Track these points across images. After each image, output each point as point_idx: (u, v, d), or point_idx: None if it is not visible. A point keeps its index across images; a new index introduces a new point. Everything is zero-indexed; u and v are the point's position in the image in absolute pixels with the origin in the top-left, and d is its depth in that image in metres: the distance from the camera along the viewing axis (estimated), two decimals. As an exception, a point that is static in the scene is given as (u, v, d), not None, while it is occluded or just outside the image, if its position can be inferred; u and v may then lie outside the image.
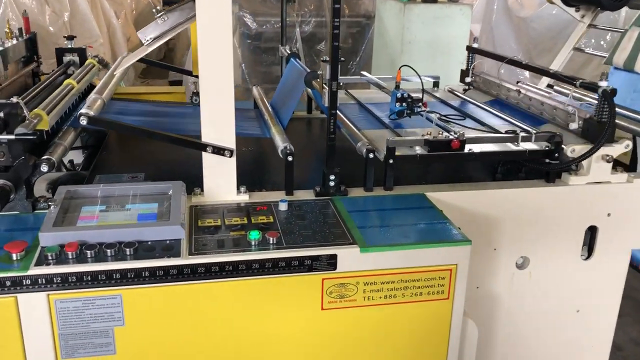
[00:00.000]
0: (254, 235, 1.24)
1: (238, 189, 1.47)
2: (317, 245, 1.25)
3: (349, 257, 1.24)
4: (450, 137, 1.54)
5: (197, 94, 2.24)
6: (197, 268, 1.18)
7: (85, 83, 1.85)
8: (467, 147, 1.56)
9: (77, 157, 2.08)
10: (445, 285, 1.31)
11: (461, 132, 1.55)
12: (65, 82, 1.74)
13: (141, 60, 2.59)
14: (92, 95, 1.50)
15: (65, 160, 2.08)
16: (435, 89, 2.38)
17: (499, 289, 1.65)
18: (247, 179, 1.51)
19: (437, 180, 1.64)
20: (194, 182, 1.45)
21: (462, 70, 2.39)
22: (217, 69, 1.35)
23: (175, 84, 4.44)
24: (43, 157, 1.37)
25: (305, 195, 1.50)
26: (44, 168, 1.35)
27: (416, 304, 1.31)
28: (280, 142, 1.55)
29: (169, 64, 5.24)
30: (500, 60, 2.14)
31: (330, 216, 1.38)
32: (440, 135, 1.56)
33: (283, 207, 1.40)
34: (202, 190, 1.45)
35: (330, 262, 1.23)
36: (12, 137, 1.27)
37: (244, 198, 1.46)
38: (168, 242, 1.22)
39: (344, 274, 1.25)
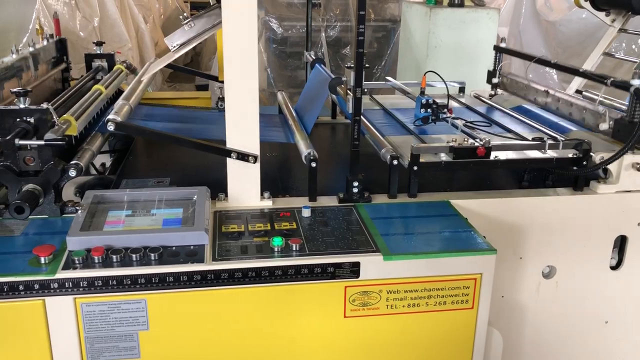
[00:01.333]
0: (277, 242, 1.24)
1: (262, 194, 1.47)
2: (340, 252, 1.24)
3: (372, 265, 1.24)
4: (476, 144, 1.53)
5: (222, 99, 2.25)
6: (221, 274, 1.19)
7: (113, 88, 1.88)
8: (493, 154, 1.54)
9: (108, 160, 2.11)
10: (469, 295, 1.29)
11: (487, 139, 1.53)
12: (94, 87, 1.77)
13: (168, 65, 2.63)
14: (119, 101, 1.52)
15: (97, 163, 2.12)
16: (461, 94, 2.36)
17: (525, 298, 1.63)
18: (271, 184, 1.52)
19: (462, 187, 1.62)
20: (219, 187, 1.46)
21: (489, 71, 2.36)
22: (242, 75, 1.36)
23: (202, 89, 4.49)
24: (71, 162, 1.39)
25: (328, 201, 1.50)
26: (72, 173, 1.37)
27: (440, 313, 1.29)
28: (304, 148, 1.55)
29: (196, 68, 5.30)
30: (528, 59, 2.11)
31: (353, 223, 1.38)
32: (465, 142, 1.54)
33: (306, 213, 1.41)
34: (226, 195, 1.46)
35: (353, 270, 1.23)
36: (42, 142, 1.29)
37: (268, 204, 1.47)
38: (192, 247, 1.23)
39: (367, 282, 1.24)
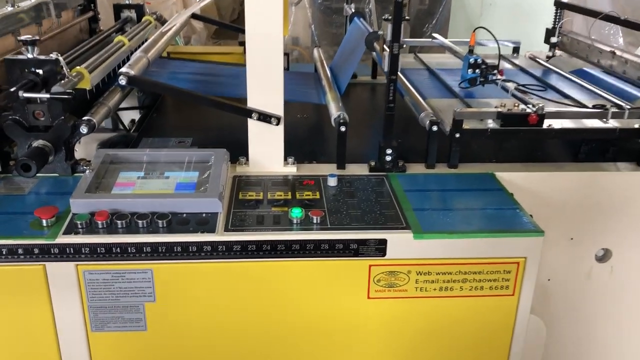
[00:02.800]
0: (296, 213, 1.12)
1: (286, 159, 1.35)
2: (365, 227, 1.12)
3: (400, 243, 1.11)
4: (528, 110, 1.35)
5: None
6: (233, 246, 1.09)
7: (138, 41, 1.77)
8: (547, 122, 1.36)
9: (137, 116, 2.03)
10: (510, 280, 1.15)
11: (540, 104, 1.36)
12: (116, 39, 1.66)
13: (206, 20, 2.51)
14: (137, 54, 1.41)
15: (127, 119, 2.04)
16: (515, 55, 2.15)
17: (574, 283, 1.47)
18: (298, 149, 1.39)
19: (509, 158, 1.46)
20: (243, 149, 1.34)
21: (547, 30, 2.14)
22: (265, 24, 1.22)
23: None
24: (83, 118, 1.30)
25: (358, 169, 1.37)
26: (84, 129, 1.28)
27: (476, 298, 1.16)
28: (334, 110, 1.41)
29: (240, 25, 5.15)
30: (593, 16, 1.88)
31: (383, 195, 1.24)
32: (515, 107, 1.37)
33: (332, 182, 1.28)
34: (247, 159, 1.35)
35: (379, 248, 1.10)
36: (47, 95, 1.20)
37: (291, 170, 1.35)
38: (204, 215, 1.13)
39: (394, 261, 1.12)
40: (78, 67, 1.32)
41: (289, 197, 1.22)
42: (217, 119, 1.71)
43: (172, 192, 1.18)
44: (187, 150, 1.35)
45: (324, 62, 1.90)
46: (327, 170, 1.36)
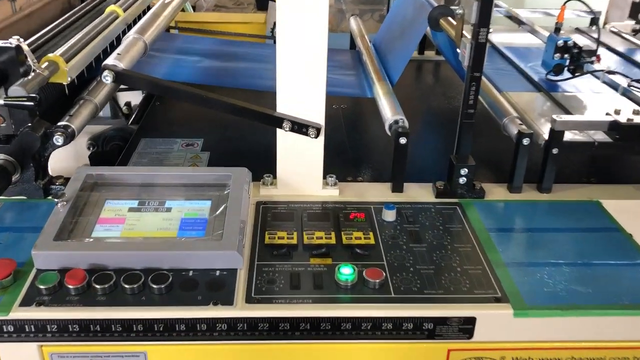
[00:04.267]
0: (346, 275, 0.80)
1: (324, 178, 1.02)
2: (443, 298, 0.79)
3: (494, 322, 0.79)
4: (654, 119, 1.00)
5: (280, 25, 1.77)
6: (258, 324, 0.77)
7: (137, 10, 1.42)
8: (678, 136, 1.01)
9: (137, 97, 1.70)
10: (640, 367, 0.83)
11: (672, 111, 1.01)
12: (108, 9, 1.32)
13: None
14: (129, 36, 1.07)
15: (122, 101, 1.71)
16: (592, 28, 1.77)
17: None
18: (335, 157, 1.05)
19: (611, 178, 1.12)
20: (268, 159, 1.02)
21: (633, 3, 1.76)
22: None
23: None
24: (59, 124, 0.98)
25: (419, 192, 1.04)
26: (58, 140, 0.96)
27: (590, 391, 0.84)
28: (389, 113, 1.07)
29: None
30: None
31: (461, 238, 0.91)
32: (637, 114, 1.02)
33: (389, 216, 0.95)
34: (275, 177, 1.02)
35: (465, 328, 0.78)
36: (1, 102, 0.87)
37: (332, 194, 1.02)
38: (218, 274, 0.81)
39: (483, 344, 0.80)
40: (50, 55, 0.98)
41: (333, 240, 0.89)
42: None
43: (174, 237, 0.86)
44: (195, 171, 1.02)
45: (366, 37, 1.54)
46: (377, 193, 1.03)
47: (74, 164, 1.44)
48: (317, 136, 0.96)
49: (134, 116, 1.54)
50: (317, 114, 0.96)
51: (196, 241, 0.84)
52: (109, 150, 1.39)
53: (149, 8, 1.55)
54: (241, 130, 1.29)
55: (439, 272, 0.84)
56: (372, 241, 0.89)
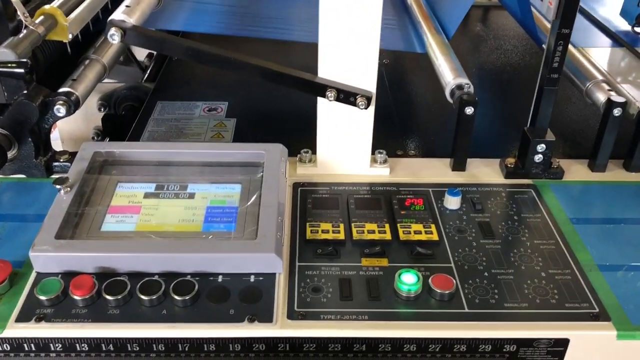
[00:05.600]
0: (409, 285, 0.66)
1: (373, 154, 0.87)
2: (526, 312, 0.65)
3: (592, 345, 0.64)
4: None
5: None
6: (303, 344, 0.64)
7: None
8: None
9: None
10: None
11: None
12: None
13: None
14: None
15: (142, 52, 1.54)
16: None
17: None
18: (379, 124, 0.88)
19: None
20: (305, 127, 0.86)
21: None
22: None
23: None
24: (60, 91, 0.83)
25: (484, 171, 0.88)
26: (60, 111, 0.81)
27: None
28: (450, 75, 0.89)
29: None
30: None
31: (540, 230, 0.76)
32: None
33: (453, 203, 0.80)
34: (314, 153, 0.87)
35: (555, 351, 0.64)
36: (-14, 69, 0.72)
37: (382, 173, 0.87)
38: (253, 279, 0.67)
39: (575, 369, 0.66)
40: (46, 7, 0.82)
41: (387, 235, 0.75)
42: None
43: (199, 231, 0.72)
44: (220, 147, 0.86)
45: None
46: (435, 171, 0.88)
47: (84, 127, 1.30)
48: (367, 107, 0.80)
49: (148, 72, 1.38)
50: (367, 79, 0.80)
51: (226, 241, 0.70)
52: (123, 113, 1.24)
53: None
54: (271, 92, 1.12)
55: (519, 279, 0.69)
56: (434, 236, 0.75)
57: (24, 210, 0.79)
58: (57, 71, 0.89)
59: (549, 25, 1.17)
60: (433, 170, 0.88)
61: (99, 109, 1.29)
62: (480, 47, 1.37)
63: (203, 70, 1.25)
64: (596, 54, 1.04)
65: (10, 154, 0.82)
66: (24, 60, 0.72)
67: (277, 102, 1.10)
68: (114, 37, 0.74)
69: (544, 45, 1.00)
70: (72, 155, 0.86)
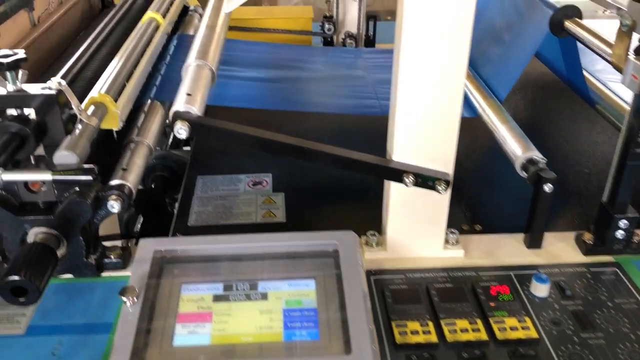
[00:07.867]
0: (526, 398, 0.60)
1: (446, 235, 0.82)
2: None
3: None
4: None
5: (329, 18, 1.55)
6: None
7: (174, 16, 1.19)
8: None
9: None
10: None
11: None
12: (146, 16, 1.09)
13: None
14: (190, 63, 0.83)
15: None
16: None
17: None
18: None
19: None
20: (357, 200, 0.82)
21: None
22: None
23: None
24: (112, 184, 0.76)
25: (560, 248, 0.84)
26: (114, 207, 0.75)
27: None
28: (518, 149, 0.85)
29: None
30: None
31: (638, 317, 0.72)
32: None
33: (541, 291, 0.75)
34: (378, 233, 0.82)
35: None
36: (49, 177, 0.65)
37: (456, 255, 0.82)
38: (349, 397, 0.61)
39: None
40: (96, 96, 0.76)
41: (483, 334, 0.69)
42: (304, 131, 1.15)
43: (280, 341, 0.65)
44: (285, 238, 0.80)
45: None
46: (510, 250, 0.84)
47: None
48: (446, 189, 0.75)
49: (171, 138, 1.32)
50: (445, 161, 0.75)
51: (308, 345, 0.64)
52: (153, 185, 1.18)
53: (184, 9, 1.32)
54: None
55: (635, 380, 0.64)
56: (532, 332, 0.69)
57: (80, 319, 0.72)
58: (101, 154, 0.83)
59: (598, 84, 1.14)
60: (507, 249, 0.84)
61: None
62: (520, 104, 1.32)
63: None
64: None
65: (58, 253, 0.76)
66: (90, 166, 0.66)
67: (322, 170, 1.05)
68: (181, 132, 0.68)
69: (597, 106, 0.97)
70: (123, 249, 0.80)
